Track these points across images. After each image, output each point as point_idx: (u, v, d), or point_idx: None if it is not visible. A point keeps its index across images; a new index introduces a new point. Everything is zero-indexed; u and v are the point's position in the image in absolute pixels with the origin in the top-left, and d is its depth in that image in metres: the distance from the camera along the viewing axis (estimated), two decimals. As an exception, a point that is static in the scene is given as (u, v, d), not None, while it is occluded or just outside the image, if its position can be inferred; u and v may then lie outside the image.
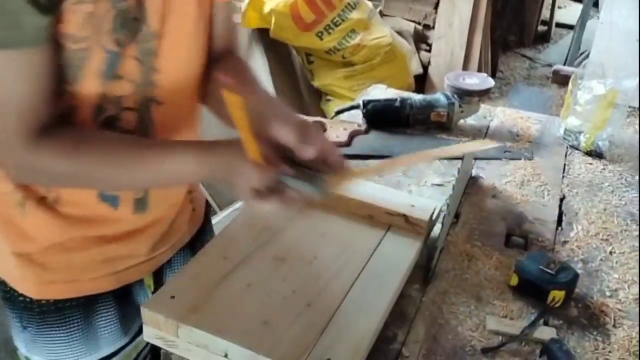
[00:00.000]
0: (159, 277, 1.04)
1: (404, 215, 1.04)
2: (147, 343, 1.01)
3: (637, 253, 1.11)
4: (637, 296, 1.01)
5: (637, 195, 1.30)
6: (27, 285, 0.91)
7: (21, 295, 0.91)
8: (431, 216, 1.05)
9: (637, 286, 1.03)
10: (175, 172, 0.80)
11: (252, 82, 0.95)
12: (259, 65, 3.06)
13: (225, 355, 0.80)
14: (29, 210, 0.86)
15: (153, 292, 1.01)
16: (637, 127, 1.62)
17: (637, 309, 0.98)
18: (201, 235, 1.11)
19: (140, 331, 0.97)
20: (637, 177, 1.37)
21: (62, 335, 0.93)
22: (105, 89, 0.79)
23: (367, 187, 1.13)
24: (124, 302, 0.98)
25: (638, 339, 0.92)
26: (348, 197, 1.07)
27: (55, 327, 0.92)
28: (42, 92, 0.74)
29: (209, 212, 1.17)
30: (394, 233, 1.04)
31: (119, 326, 0.97)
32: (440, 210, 1.11)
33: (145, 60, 0.81)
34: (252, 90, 0.91)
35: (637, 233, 1.17)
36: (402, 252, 1.00)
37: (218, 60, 0.97)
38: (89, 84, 0.78)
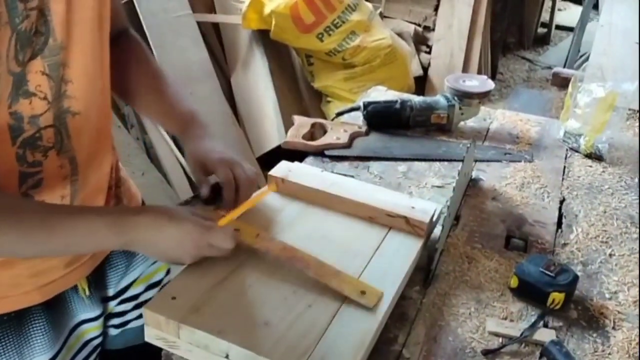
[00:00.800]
0: (100, 277, 1.04)
1: (405, 217, 1.05)
2: (83, 348, 1.05)
3: (637, 255, 1.12)
4: (637, 298, 1.01)
5: (637, 197, 1.30)
6: None
7: None
8: (431, 218, 1.05)
9: (637, 288, 1.03)
10: (89, 241, 0.83)
11: (161, 84, 1.06)
12: (259, 67, 3.07)
13: (226, 356, 0.81)
14: None
15: (89, 295, 1.02)
16: (636, 129, 1.62)
17: (637, 311, 0.99)
18: None
19: (70, 335, 1.01)
20: (636, 180, 1.37)
21: None
22: (16, 109, 0.77)
23: (368, 189, 1.13)
24: (55, 311, 0.97)
25: (637, 341, 0.93)
26: (349, 199, 1.08)
27: None
28: None
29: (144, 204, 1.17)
30: (395, 235, 1.05)
31: (52, 334, 0.96)
32: (441, 212, 1.12)
33: (54, 74, 0.79)
34: (164, 99, 1.05)
35: (636, 235, 1.18)
36: (403, 253, 1.00)
37: (115, 41, 0.98)
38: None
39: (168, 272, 1.19)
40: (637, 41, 2.23)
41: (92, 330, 1.05)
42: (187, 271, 0.92)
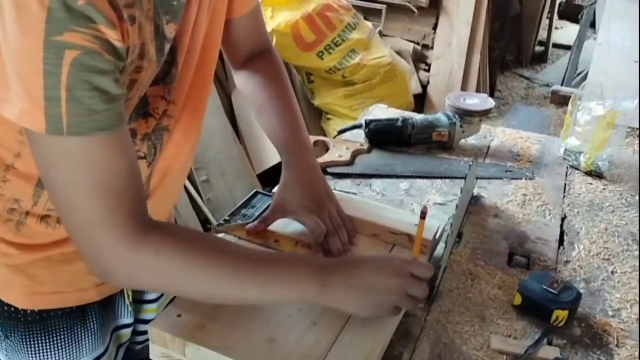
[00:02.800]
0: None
1: (408, 235, 1.05)
2: (118, 352, 1.07)
3: (638, 272, 1.12)
4: (638, 316, 1.01)
5: (638, 215, 1.31)
6: (14, 295, 0.92)
7: (6, 304, 0.92)
8: (434, 235, 1.06)
9: (639, 306, 1.04)
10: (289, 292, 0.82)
11: (283, 106, 1.10)
12: (260, 84, 3.08)
13: None
14: (24, 224, 0.88)
15: (132, 302, 1.05)
16: (636, 147, 1.64)
17: (639, 328, 0.99)
18: None
19: (112, 337, 1.03)
20: (637, 197, 1.38)
21: (45, 344, 0.94)
22: (134, 127, 0.84)
23: (371, 206, 1.13)
24: (105, 311, 1.00)
25: (641, 358, 0.93)
26: (352, 216, 1.08)
27: (40, 336, 0.94)
28: (135, 165, 0.77)
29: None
30: (398, 252, 1.05)
31: (100, 335, 0.99)
32: (443, 230, 1.12)
33: (167, 97, 0.87)
34: (281, 121, 1.08)
35: (637, 252, 1.18)
36: None
37: (256, 59, 1.08)
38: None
39: None
40: (637, 60, 2.25)
41: (125, 335, 1.08)
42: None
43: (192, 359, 0.83)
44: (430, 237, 1.04)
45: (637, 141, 1.66)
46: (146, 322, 1.12)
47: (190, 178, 2.80)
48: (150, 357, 0.87)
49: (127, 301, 1.04)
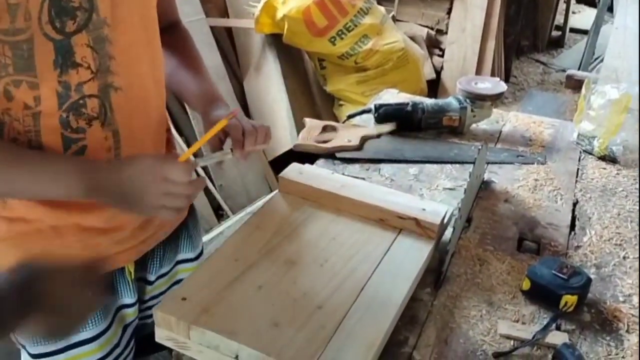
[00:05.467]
0: (142, 268, 1.08)
1: (416, 219, 1.04)
2: (125, 332, 1.08)
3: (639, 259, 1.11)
4: (651, 302, 1.00)
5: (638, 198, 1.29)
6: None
7: None
8: (442, 220, 1.05)
9: (651, 292, 1.02)
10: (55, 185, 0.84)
11: (196, 67, 1.10)
12: (272, 70, 3.08)
13: (236, 357, 0.81)
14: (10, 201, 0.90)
15: (133, 279, 1.05)
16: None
17: (651, 314, 0.98)
18: (185, 229, 1.15)
19: (115, 316, 1.04)
20: (651, 182, 1.36)
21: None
22: (66, 79, 0.83)
23: (378, 191, 1.13)
24: (105, 289, 1.00)
25: (652, 344, 0.91)
26: (359, 201, 1.08)
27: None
28: None
29: (193, 206, 1.20)
30: (405, 237, 1.04)
31: (99, 311, 1.00)
32: (452, 215, 1.11)
33: (99, 48, 0.85)
34: (196, 78, 1.09)
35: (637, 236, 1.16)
36: (413, 255, 1.00)
37: (165, 33, 1.03)
38: (46, 73, 0.81)
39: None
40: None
41: (130, 315, 1.09)
42: (198, 272, 0.93)
43: (197, 342, 0.83)
44: (437, 222, 1.03)
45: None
46: (144, 301, 1.14)
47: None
48: (156, 340, 0.87)
49: (128, 278, 1.04)
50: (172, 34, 1.11)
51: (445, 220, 1.07)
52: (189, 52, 1.14)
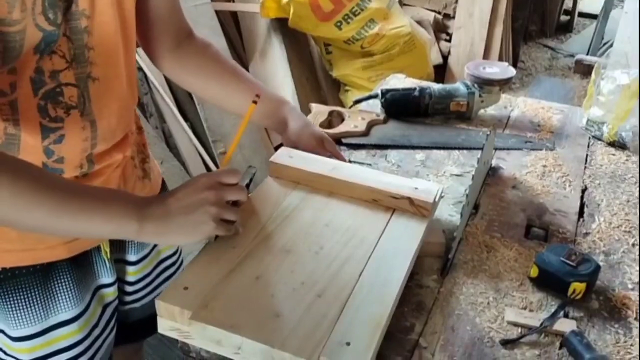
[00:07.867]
0: (120, 249, 1.10)
1: (409, 198, 1.03)
2: (104, 312, 1.09)
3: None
4: (660, 289, 0.99)
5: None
6: None
7: None
8: (435, 198, 1.04)
9: (661, 279, 1.01)
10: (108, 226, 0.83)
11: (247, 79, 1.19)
12: (278, 55, 3.06)
13: (239, 349, 0.80)
14: None
15: (110, 258, 1.05)
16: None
17: (660, 302, 0.97)
18: None
19: (93, 296, 1.05)
20: (661, 169, 1.34)
21: (20, 300, 0.96)
22: (39, 65, 0.83)
23: (369, 172, 1.12)
24: (80, 269, 1.02)
25: (661, 332, 0.91)
26: (352, 182, 1.06)
27: (13, 292, 0.95)
28: None
29: (165, 184, 1.21)
30: (399, 216, 1.03)
31: (77, 292, 1.01)
32: (460, 201, 1.10)
33: (76, 38, 0.85)
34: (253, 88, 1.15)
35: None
36: (409, 234, 0.99)
37: (188, 46, 1.11)
38: (24, 59, 0.80)
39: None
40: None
41: (110, 295, 1.09)
42: (197, 260, 0.91)
43: (198, 337, 0.82)
44: (430, 200, 1.02)
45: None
46: (130, 283, 1.15)
47: (208, 150, 2.81)
48: (159, 331, 0.86)
49: (104, 257, 1.04)
50: (197, 47, 1.14)
51: (437, 199, 1.06)
52: (223, 64, 1.17)
